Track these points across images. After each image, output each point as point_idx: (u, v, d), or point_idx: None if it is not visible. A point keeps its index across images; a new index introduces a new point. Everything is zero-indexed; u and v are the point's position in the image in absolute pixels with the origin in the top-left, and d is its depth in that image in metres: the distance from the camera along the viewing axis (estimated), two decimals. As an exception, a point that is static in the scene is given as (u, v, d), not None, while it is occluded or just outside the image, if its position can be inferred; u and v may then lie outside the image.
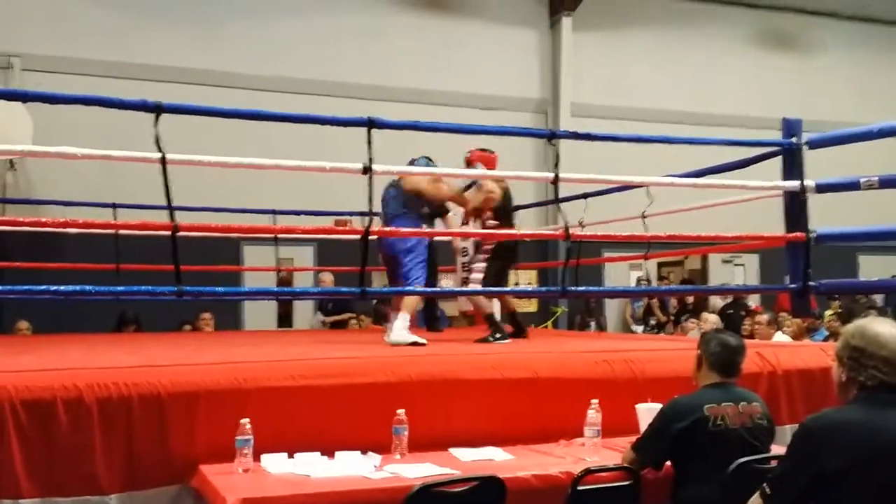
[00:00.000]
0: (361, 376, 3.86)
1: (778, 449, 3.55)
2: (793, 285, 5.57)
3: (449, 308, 10.47)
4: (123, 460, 3.39)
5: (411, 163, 6.15)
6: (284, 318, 10.65)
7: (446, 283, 10.66)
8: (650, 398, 3.98)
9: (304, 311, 10.56)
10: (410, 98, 11.54)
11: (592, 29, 13.07)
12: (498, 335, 6.08)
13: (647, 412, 3.80)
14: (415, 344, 5.36)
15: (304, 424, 3.69)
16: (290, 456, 3.50)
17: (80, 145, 4.04)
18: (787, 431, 4.34)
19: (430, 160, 6.23)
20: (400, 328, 5.53)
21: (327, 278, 9.74)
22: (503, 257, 6.33)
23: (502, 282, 6.48)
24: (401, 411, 3.64)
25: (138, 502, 3.40)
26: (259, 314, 9.89)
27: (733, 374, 3.61)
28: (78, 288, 3.79)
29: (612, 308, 12.97)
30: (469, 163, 6.39)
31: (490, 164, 6.38)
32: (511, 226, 6.52)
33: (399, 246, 5.83)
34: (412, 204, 5.94)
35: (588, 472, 3.28)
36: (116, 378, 3.46)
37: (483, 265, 6.25)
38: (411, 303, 5.79)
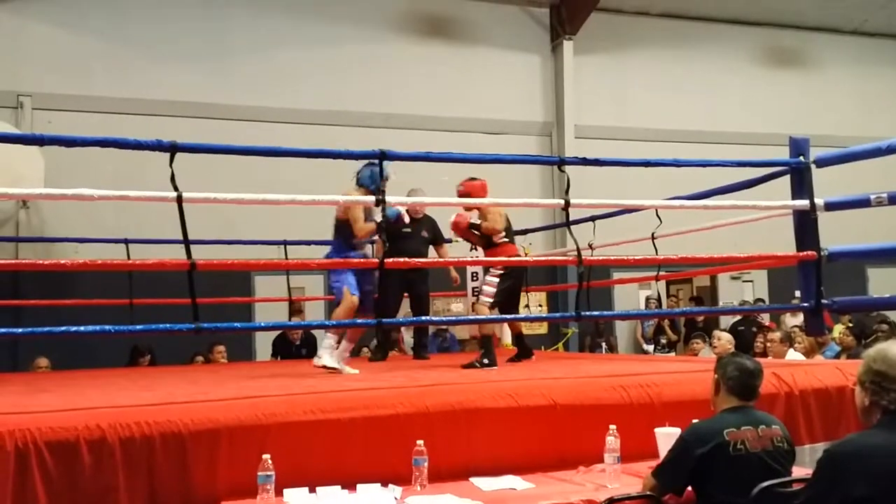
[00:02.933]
0: (380, 408, 3.87)
1: (799, 471, 3.56)
2: (805, 304, 5.58)
3: (460, 332, 10.49)
4: (146, 499, 3.40)
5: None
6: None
7: (457, 307, 10.71)
8: (668, 422, 3.99)
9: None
10: (416, 125, 11.64)
11: (594, 52, 13.16)
12: (486, 361, 5.99)
13: (666, 437, 3.80)
14: (327, 368, 5.58)
15: (325, 458, 3.69)
16: (312, 490, 3.51)
17: (93, 181, 4.12)
18: (805, 452, 4.36)
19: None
20: (325, 349, 5.70)
21: None
22: (515, 275, 6.35)
23: (514, 299, 6.49)
24: (420, 442, 3.65)
25: (162, 541, 3.41)
26: (270, 344, 9.89)
27: (752, 398, 3.61)
28: (98, 328, 3.82)
29: (622, 328, 12.97)
30: (464, 195, 6.31)
31: (483, 190, 6.32)
32: (514, 243, 6.56)
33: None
34: (339, 231, 5.96)
35: (612, 501, 3.29)
36: (138, 417, 3.47)
37: (495, 280, 6.22)
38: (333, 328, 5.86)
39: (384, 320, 4.79)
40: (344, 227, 5.87)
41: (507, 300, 6.30)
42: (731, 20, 14.10)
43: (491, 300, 6.15)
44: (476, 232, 6.45)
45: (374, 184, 5.61)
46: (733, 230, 7.21)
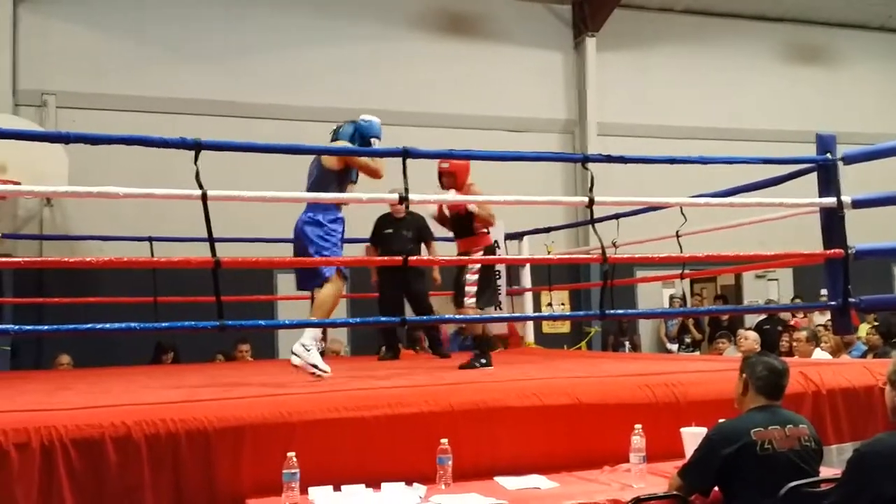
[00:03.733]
0: (404, 406, 3.86)
1: (826, 471, 3.53)
2: (832, 303, 5.53)
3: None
4: (172, 497, 3.41)
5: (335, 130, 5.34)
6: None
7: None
8: (694, 422, 3.95)
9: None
10: (438, 122, 11.62)
11: (616, 48, 13.09)
12: (483, 360, 5.76)
13: (692, 436, 3.77)
14: (315, 370, 4.76)
15: (349, 456, 3.69)
16: (337, 488, 3.50)
17: (117, 178, 4.14)
18: (832, 451, 4.31)
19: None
20: (306, 344, 4.86)
21: None
22: (487, 266, 6.07)
23: (493, 286, 6.28)
24: (444, 441, 3.63)
25: (187, 538, 3.42)
26: (294, 343, 9.89)
27: (779, 397, 3.58)
28: (123, 326, 3.83)
29: (645, 326, 12.90)
30: (449, 173, 5.94)
31: (468, 170, 6.02)
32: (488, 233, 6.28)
33: (306, 228, 5.04)
34: (326, 188, 5.05)
35: (638, 500, 3.26)
36: (164, 414, 3.48)
37: (475, 278, 5.90)
38: (319, 314, 5.00)
39: (407, 318, 4.77)
40: (333, 178, 5.06)
41: (489, 292, 6.04)
42: (755, 16, 14.00)
43: (475, 300, 5.85)
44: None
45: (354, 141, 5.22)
46: (758, 228, 7.15)
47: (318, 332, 4.96)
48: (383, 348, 7.60)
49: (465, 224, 6.02)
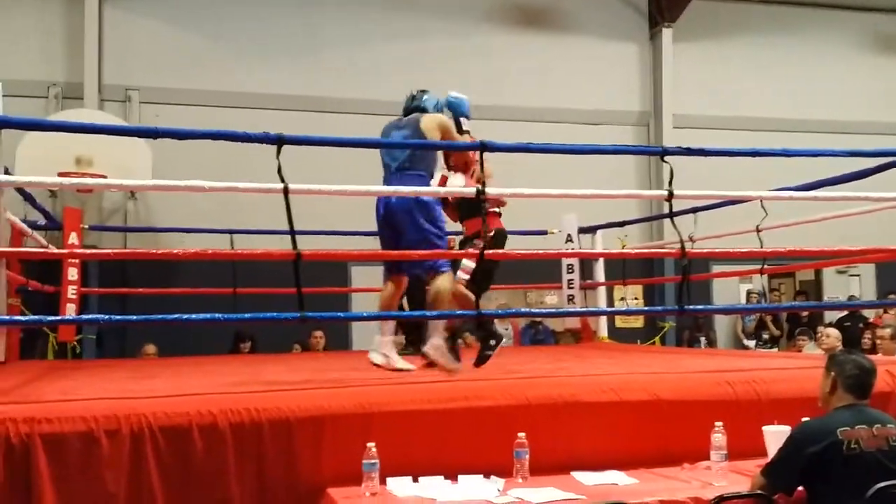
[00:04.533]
0: (482, 399, 3.88)
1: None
2: (921, 299, 5.39)
3: (555, 323, 10.42)
4: (255, 484, 3.49)
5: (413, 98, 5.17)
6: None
7: (551, 300, 10.63)
8: (776, 420, 3.89)
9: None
10: (512, 115, 11.59)
11: (693, 39, 12.89)
12: (491, 346, 5.39)
13: (774, 435, 3.71)
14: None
15: (427, 447, 3.72)
16: (415, 479, 3.53)
17: (199, 171, 4.21)
18: (919, 452, 4.19)
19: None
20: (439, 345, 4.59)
21: None
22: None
23: (490, 280, 5.71)
24: (521, 434, 3.64)
25: (270, 525, 3.48)
26: (367, 334, 9.96)
27: (867, 396, 3.51)
28: (208, 316, 3.92)
29: (721, 322, 12.68)
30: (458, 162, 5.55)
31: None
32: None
33: (408, 207, 4.67)
34: (424, 158, 4.81)
35: (721, 499, 3.23)
36: (247, 403, 3.56)
37: (477, 252, 5.15)
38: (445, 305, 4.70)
39: (484, 312, 4.77)
40: (434, 156, 4.89)
41: (484, 279, 5.45)
42: (837, 5, 13.63)
43: (468, 276, 5.37)
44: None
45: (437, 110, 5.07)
46: (836, 223, 6.97)
47: (442, 323, 4.62)
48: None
49: (473, 203, 5.12)
